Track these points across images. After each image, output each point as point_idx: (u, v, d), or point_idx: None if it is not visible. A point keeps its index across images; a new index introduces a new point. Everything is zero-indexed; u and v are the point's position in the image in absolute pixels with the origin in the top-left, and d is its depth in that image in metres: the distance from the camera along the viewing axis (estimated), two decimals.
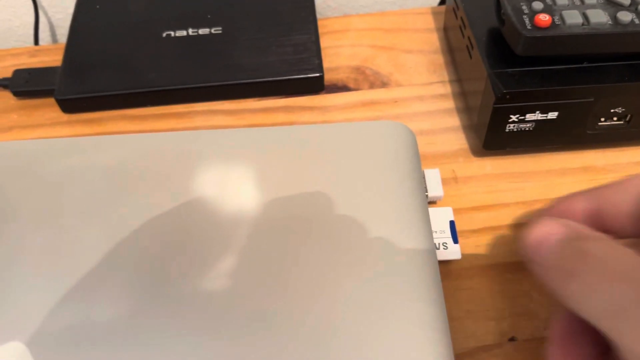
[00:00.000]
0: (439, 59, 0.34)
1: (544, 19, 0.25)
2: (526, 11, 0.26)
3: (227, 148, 0.27)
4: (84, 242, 0.25)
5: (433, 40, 0.35)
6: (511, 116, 0.27)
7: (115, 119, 0.32)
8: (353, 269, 0.23)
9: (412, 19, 0.36)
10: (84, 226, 0.25)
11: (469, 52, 0.29)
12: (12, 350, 0.22)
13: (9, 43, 0.44)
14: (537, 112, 0.26)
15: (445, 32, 0.35)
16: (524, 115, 0.27)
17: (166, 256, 0.24)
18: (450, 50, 0.34)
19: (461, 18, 0.30)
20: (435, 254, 0.24)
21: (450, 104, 0.32)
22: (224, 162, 0.27)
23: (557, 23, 0.25)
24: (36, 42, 0.40)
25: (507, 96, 0.26)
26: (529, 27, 0.25)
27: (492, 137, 0.28)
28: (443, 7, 0.36)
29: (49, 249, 0.24)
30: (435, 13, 0.37)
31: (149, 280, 0.23)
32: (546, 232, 0.19)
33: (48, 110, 0.32)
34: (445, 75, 0.33)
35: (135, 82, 0.31)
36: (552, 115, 0.27)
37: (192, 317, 0.22)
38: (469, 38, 0.29)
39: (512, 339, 0.24)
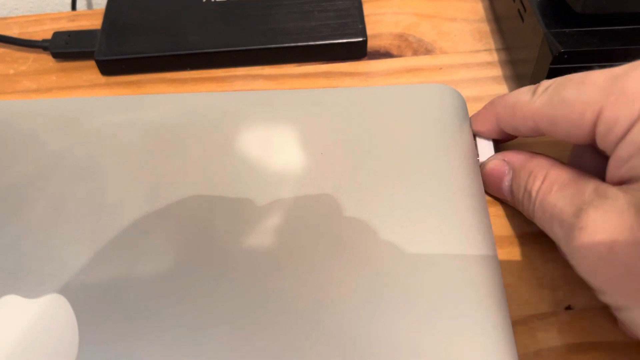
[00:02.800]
0: (484, 27, 0.33)
1: None
2: None
3: (272, 109, 0.27)
4: (125, 197, 0.24)
5: (477, 9, 0.34)
6: None
7: (153, 81, 0.31)
8: (402, 240, 0.22)
9: None
10: (126, 181, 0.25)
11: (521, 17, 0.28)
12: (53, 301, 0.22)
13: (48, 9, 0.44)
14: None
15: (491, 2, 0.34)
16: None
17: (208, 212, 0.23)
18: (497, 19, 0.33)
19: None
20: (489, 223, 0.23)
21: (497, 71, 0.31)
22: (268, 123, 0.26)
23: None
24: (73, 7, 0.40)
25: (565, 56, 0.24)
26: None
27: None
28: None
29: (91, 202, 0.24)
30: None
31: (190, 236, 0.23)
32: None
33: (87, 72, 0.32)
34: (491, 44, 0.32)
35: (175, 44, 0.31)
36: None
37: (236, 273, 0.22)
38: (521, 2, 0.28)
39: (568, 308, 0.23)
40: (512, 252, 0.24)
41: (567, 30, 0.25)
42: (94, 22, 0.34)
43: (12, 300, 0.22)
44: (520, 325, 0.22)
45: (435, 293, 0.21)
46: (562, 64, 0.25)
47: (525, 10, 0.28)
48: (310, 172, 0.24)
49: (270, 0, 0.33)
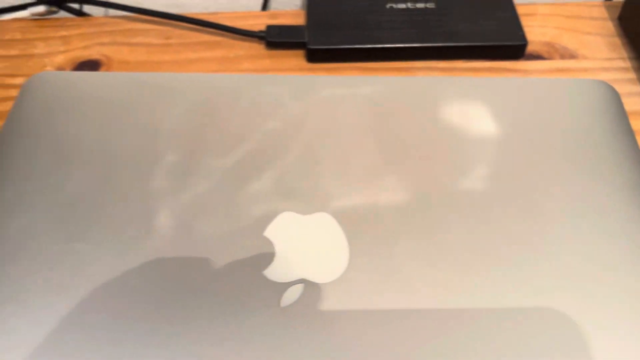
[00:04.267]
0: (617, 41, 0.40)
1: None
2: None
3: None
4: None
5: (608, 27, 0.41)
6: None
7: (349, 69, 0.39)
8: (564, 234, 0.27)
9: (588, 9, 0.42)
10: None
11: None
12: (321, 218, 0.28)
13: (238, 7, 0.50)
14: None
15: (621, 21, 0.41)
16: None
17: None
18: (627, 35, 0.40)
19: None
20: None
21: (632, 75, 0.38)
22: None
23: None
24: (264, 8, 0.47)
25: None
26: None
27: None
28: (616, 1, 0.42)
29: (339, 150, 0.31)
30: (607, 6, 0.43)
31: None
32: None
33: (294, 59, 0.39)
34: (624, 53, 0.39)
35: (369, 39, 0.38)
36: None
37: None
38: None
39: None
40: None
41: None
42: (292, 21, 0.42)
43: (289, 216, 0.29)
44: None
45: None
46: None
47: None
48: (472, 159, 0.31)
49: (441, 9, 0.40)
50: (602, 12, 0.42)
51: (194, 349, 0.24)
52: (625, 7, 0.40)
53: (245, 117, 0.32)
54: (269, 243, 0.27)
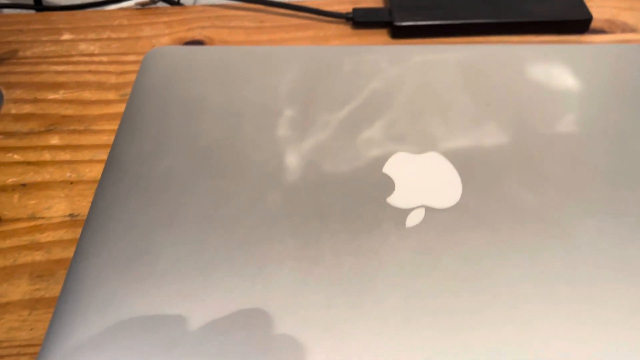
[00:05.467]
0: None
1: None
2: None
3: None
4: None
5: None
6: None
7: (430, 43, 0.43)
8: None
9: None
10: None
11: None
12: (432, 157, 0.32)
13: None
14: None
15: None
16: None
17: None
18: None
19: None
20: None
21: None
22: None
23: None
24: None
25: None
26: None
27: None
28: None
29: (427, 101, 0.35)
30: None
31: None
32: None
33: (378, 37, 0.43)
34: None
35: (448, 15, 0.42)
36: None
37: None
38: None
39: None
40: None
41: None
42: (373, 4, 0.46)
43: (403, 156, 0.32)
44: None
45: None
46: None
47: None
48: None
49: None
50: None
51: (331, 268, 0.27)
52: None
53: (350, 79, 0.36)
54: (388, 178, 0.31)
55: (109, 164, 0.32)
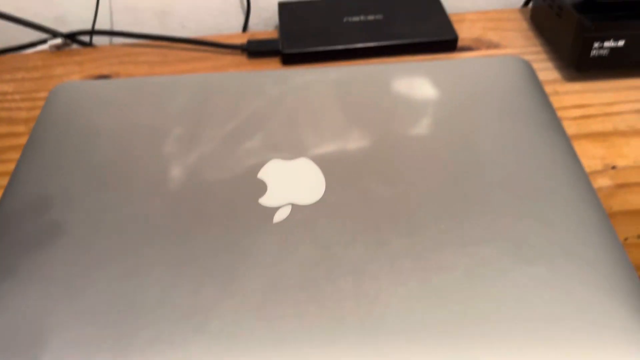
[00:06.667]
0: (530, 34, 0.50)
1: None
2: None
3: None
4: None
5: (524, 25, 0.51)
6: (594, 43, 0.41)
7: (313, 68, 0.47)
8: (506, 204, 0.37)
9: (507, 14, 0.53)
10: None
11: (559, 16, 0.45)
12: (303, 162, 0.36)
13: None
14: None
15: (532, 20, 0.51)
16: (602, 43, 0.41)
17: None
18: (537, 29, 0.50)
19: None
20: (586, 176, 0.37)
21: (543, 56, 0.47)
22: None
23: None
24: (244, 30, 0.56)
25: (593, 27, 0.41)
26: None
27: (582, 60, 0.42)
28: (528, 7, 0.52)
29: (311, 116, 0.39)
30: (521, 11, 0.53)
31: None
32: None
33: (270, 65, 0.48)
34: (536, 42, 0.49)
35: (332, 42, 0.47)
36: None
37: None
38: (558, 7, 0.45)
39: None
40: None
41: (590, 15, 0.42)
42: (267, 37, 0.51)
43: (277, 162, 0.36)
44: None
45: None
46: (591, 33, 0.41)
47: (562, 10, 0.44)
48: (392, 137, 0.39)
49: (387, 19, 0.49)
50: (517, 15, 0.52)
51: (204, 262, 0.30)
52: (533, 9, 0.51)
53: (235, 99, 0.40)
54: (262, 182, 0.34)
55: (9, 185, 0.35)
